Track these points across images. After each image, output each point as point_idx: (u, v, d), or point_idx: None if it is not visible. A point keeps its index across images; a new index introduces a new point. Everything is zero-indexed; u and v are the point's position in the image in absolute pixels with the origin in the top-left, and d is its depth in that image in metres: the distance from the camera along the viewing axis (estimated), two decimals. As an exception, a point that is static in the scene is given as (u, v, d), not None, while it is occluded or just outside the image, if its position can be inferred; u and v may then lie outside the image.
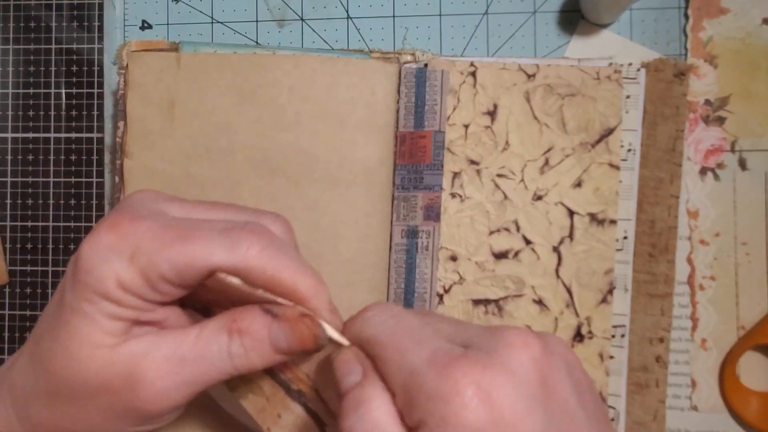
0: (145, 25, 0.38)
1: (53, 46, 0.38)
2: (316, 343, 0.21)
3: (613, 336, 0.33)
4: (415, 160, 0.34)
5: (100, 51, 0.38)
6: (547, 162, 0.34)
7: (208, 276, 0.21)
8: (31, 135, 0.38)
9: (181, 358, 0.21)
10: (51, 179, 0.38)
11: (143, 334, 0.21)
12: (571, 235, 0.34)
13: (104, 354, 0.21)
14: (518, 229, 0.34)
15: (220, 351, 0.21)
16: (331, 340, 0.22)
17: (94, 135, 0.37)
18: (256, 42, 0.37)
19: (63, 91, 0.38)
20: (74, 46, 0.38)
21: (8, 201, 0.38)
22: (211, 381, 0.21)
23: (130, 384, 0.21)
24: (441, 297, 0.34)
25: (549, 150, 0.34)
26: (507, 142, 0.34)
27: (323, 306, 0.22)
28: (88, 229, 0.37)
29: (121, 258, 0.20)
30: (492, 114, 0.34)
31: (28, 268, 0.38)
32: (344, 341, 0.22)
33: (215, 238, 0.21)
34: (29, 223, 0.38)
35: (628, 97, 0.33)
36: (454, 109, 0.34)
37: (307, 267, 0.22)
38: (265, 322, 0.21)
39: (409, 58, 0.35)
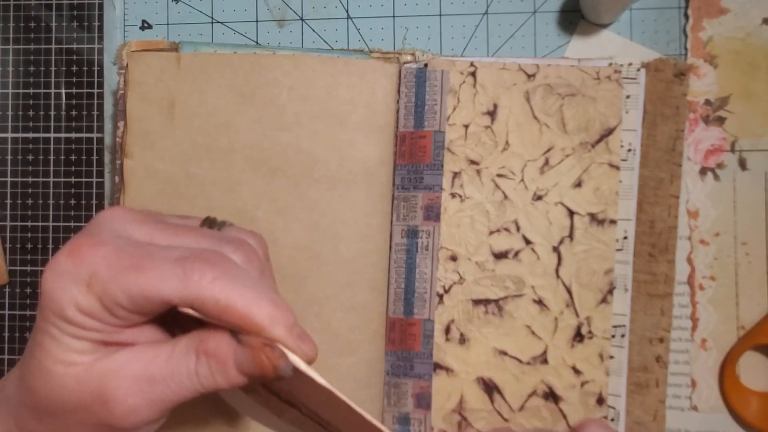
0: (145, 25, 0.38)
1: (53, 46, 0.38)
2: (276, 373, 0.21)
3: (613, 336, 0.33)
4: (415, 160, 0.34)
5: (100, 51, 0.38)
6: (547, 162, 0.34)
7: (167, 306, 0.21)
8: (31, 135, 0.38)
9: (151, 377, 0.21)
10: (51, 179, 0.38)
11: (113, 353, 0.22)
12: (571, 235, 0.34)
13: (78, 372, 0.21)
14: (518, 229, 0.34)
15: (189, 371, 0.21)
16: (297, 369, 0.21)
17: (94, 135, 0.37)
18: (256, 42, 0.37)
19: (63, 91, 0.38)
20: (74, 46, 0.38)
21: (8, 201, 0.38)
22: (182, 399, 0.22)
23: (103, 401, 0.21)
24: (441, 297, 0.34)
25: (549, 150, 0.34)
26: (507, 142, 0.34)
27: (283, 333, 0.21)
28: (88, 229, 0.37)
29: (78, 284, 0.21)
30: (492, 114, 0.34)
31: (28, 268, 0.38)
32: (312, 372, 0.21)
33: (168, 268, 0.21)
34: (29, 223, 0.38)
35: (628, 97, 0.33)
36: (454, 109, 0.34)
37: (265, 294, 0.21)
38: (231, 345, 0.21)
39: (409, 58, 0.35)
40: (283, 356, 0.21)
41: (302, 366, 0.21)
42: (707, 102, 0.34)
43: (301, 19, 0.37)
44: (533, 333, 0.34)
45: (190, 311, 0.21)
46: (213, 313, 0.21)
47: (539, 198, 0.34)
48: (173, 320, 0.23)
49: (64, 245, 0.22)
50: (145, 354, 0.22)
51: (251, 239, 0.25)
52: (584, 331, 0.33)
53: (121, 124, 0.35)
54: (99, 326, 0.21)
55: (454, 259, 0.34)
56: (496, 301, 0.34)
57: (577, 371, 0.33)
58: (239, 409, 0.28)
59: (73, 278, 0.21)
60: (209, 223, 0.26)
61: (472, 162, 0.34)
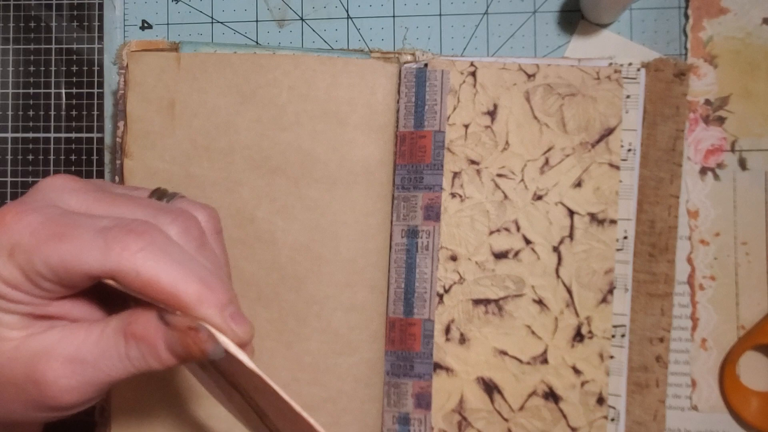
0: (145, 25, 0.38)
1: (53, 46, 0.38)
2: (205, 356, 0.20)
3: (613, 336, 0.33)
4: (415, 160, 0.34)
5: (100, 51, 0.38)
6: (547, 162, 0.34)
7: (88, 278, 0.20)
8: (31, 135, 0.38)
9: (82, 359, 0.21)
10: (51, 179, 0.38)
11: (45, 330, 0.21)
12: (571, 235, 0.34)
13: (8, 349, 0.21)
14: (518, 229, 0.34)
15: (119, 354, 0.21)
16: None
17: (94, 135, 0.37)
18: (256, 42, 0.37)
19: (63, 91, 0.38)
20: (74, 46, 0.38)
21: (8, 201, 0.38)
22: (115, 380, 0.21)
23: (34, 381, 0.21)
24: (441, 297, 0.34)
25: (549, 150, 0.34)
26: (507, 142, 0.34)
27: (213, 313, 0.20)
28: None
29: (0, 254, 0.20)
30: (492, 114, 0.34)
31: (28, 268, 0.38)
32: (241, 355, 0.20)
33: (90, 238, 0.20)
34: (29, 223, 0.38)
35: (628, 96, 0.33)
36: (454, 109, 0.34)
37: (195, 271, 0.20)
38: (159, 327, 0.21)
39: (409, 58, 0.35)
40: (211, 338, 0.20)
41: (231, 348, 0.20)
42: (707, 102, 0.34)
43: (301, 19, 0.37)
44: (533, 333, 0.34)
45: (113, 284, 0.20)
46: (136, 286, 0.20)
47: (539, 198, 0.34)
48: (109, 295, 0.22)
49: None
50: (77, 334, 0.21)
51: (200, 212, 0.24)
52: (584, 331, 0.33)
53: (121, 124, 0.35)
54: (25, 298, 0.20)
55: (454, 259, 0.34)
56: (496, 301, 0.34)
57: (577, 371, 0.33)
58: (202, 384, 0.28)
59: None
60: (158, 194, 0.25)
61: (472, 162, 0.34)
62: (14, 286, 0.20)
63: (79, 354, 0.21)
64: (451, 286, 0.34)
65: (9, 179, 0.38)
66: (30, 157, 0.38)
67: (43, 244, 0.20)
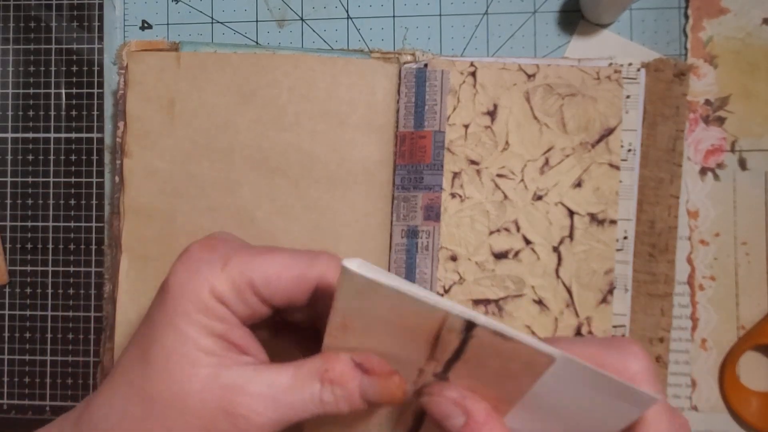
0: (145, 25, 0.38)
1: (53, 46, 0.38)
2: (404, 398, 0.22)
3: (613, 336, 0.33)
4: (415, 160, 0.34)
5: (100, 51, 0.38)
6: (547, 162, 0.34)
7: (294, 290, 0.22)
8: (31, 135, 0.38)
9: (275, 397, 0.22)
10: (51, 179, 0.38)
11: (237, 365, 0.22)
12: (571, 235, 0.34)
13: (203, 375, 0.21)
14: (518, 229, 0.34)
15: (312, 396, 0.22)
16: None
17: (94, 135, 0.37)
18: (256, 42, 0.37)
19: (63, 91, 0.38)
20: (74, 46, 0.38)
21: (8, 201, 0.38)
22: (302, 419, 0.22)
23: (227, 414, 0.21)
24: (441, 297, 0.34)
25: (549, 150, 0.34)
26: (507, 142, 0.34)
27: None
28: (88, 229, 0.37)
29: (213, 267, 0.22)
30: (492, 114, 0.34)
31: (28, 268, 0.38)
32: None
33: (296, 254, 0.23)
34: (29, 223, 0.38)
35: (628, 97, 0.33)
36: (454, 109, 0.34)
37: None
38: (356, 375, 0.22)
39: (409, 58, 0.35)
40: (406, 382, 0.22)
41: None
42: (707, 102, 0.34)
43: (301, 19, 0.37)
44: (533, 333, 0.34)
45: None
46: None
47: (539, 198, 0.34)
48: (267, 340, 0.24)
49: (190, 247, 0.23)
50: (268, 373, 0.22)
51: None
52: (584, 331, 0.33)
53: (121, 124, 0.35)
54: (226, 315, 0.22)
55: (454, 259, 0.34)
56: (496, 301, 0.34)
57: (577, 371, 0.33)
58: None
59: (208, 263, 0.22)
60: None
61: (472, 162, 0.34)
62: (221, 300, 0.22)
63: (272, 392, 0.22)
64: (451, 287, 0.34)
65: (9, 179, 0.38)
66: (30, 157, 0.38)
67: (257, 256, 0.22)
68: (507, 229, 0.34)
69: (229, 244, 0.23)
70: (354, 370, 0.22)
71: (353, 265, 0.19)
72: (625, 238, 0.33)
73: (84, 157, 0.37)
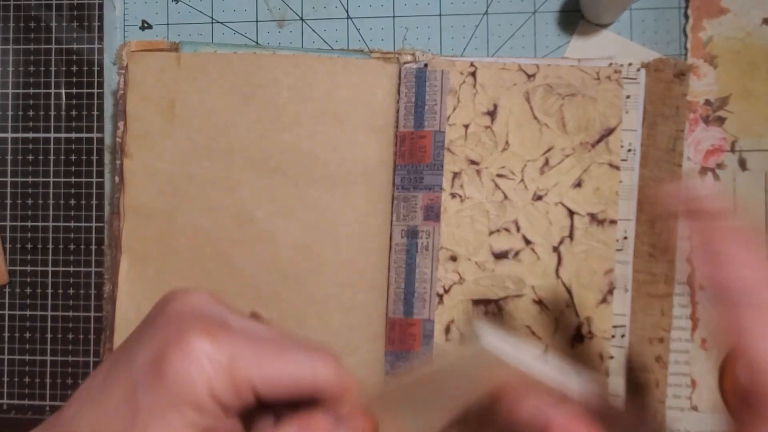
0: (145, 25, 0.38)
1: (53, 46, 0.38)
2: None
3: (613, 336, 0.33)
4: (415, 160, 0.34)
5: (100, 51, 0.38)
6: (547, 162, 0.34)
7: (292, 392, 0.22)
8: (31, 135, 0.38)
9: None
10: (51, 179, 0.38)
11: None
12: (571, 235, 0.34)
13: None
14: (518, 229, 0.34)
15: None
16: None
17: (94, 135, 0.37)
18: (256, 42, 0.37)
19: (63, 91, 0.38)
20: (74, 46, 0.38)
21: (8, 201, 0.38)
22: None
23: None
24: (441, 297, 0.34)
25: (549, 150, 0.34)
26: (507, 142, 0.34)
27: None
28: (87, 229, 0.37)
29: (216, 368, 0.21)
30: (492, 114, 0.34)
31: (28, 268, 0.38)
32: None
33: (299, 353, 0.22)
34: (29, 223, 0.38)
35: (628, 97, 0.33)
36: (454, 109, 0.34)
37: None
38: (331, 425, 0.22)
39: (409, 58, 0.35)
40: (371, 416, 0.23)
41: None
42: (707, 102, 0.34)
43: (301, 19, 0.37)
44: (533, 333, 0.34)
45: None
46: (335, 397, 0.23)
47: (539, 198, 0.34)
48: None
49: (187, 329, 0.22)
50: None
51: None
52: (584, 331, 0.33)
53: (121, 124, 0.35)
54: (217, 412, 0.21)
55: (454, 259, 0.34)
56: (496, 301, 0.34)
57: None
58: None
59: (211, 361, 0.21)
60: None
61: (472, 162, 0.34)
62: (217, 398, 0.21)
63: None
64: (451, 287, 0.34)
65: (9, 179, 0.38)
66: (30, 157, 0.38)
67: (263, 357, 0.21)
68: (507, 229, 0.34)
69: (230, 336, 0.21)
70: (329, 423, 0.22)
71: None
72: (625, 238, 0.33)
73: (84, 157, 0.37)
